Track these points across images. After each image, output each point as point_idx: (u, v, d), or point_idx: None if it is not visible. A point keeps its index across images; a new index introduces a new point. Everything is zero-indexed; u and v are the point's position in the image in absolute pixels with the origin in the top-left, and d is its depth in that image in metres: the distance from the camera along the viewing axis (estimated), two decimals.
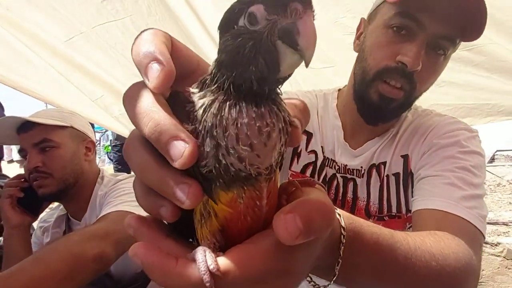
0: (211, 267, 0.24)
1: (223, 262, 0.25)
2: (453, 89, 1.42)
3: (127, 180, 1.21)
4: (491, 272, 2.32)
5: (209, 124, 0.25)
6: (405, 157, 0.82)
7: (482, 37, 1.21)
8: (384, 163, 0.83)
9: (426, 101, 1.57)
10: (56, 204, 1.30)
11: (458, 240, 0.56)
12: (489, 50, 1.27)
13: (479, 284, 2.36)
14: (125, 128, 2.25)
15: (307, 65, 0.26)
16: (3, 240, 1.14)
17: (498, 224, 2.44)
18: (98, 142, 9.15)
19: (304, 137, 0.87)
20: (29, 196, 1.13)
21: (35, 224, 1.24)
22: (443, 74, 1.40)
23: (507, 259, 2.29)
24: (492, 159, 5.88)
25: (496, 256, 2.31)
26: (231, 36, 0.26)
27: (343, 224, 0.35)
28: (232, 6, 0.27)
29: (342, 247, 0.35)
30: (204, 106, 0.26)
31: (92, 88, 1.91)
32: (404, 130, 0.84)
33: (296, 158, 0.88)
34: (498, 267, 2.31)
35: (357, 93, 0.81)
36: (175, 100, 0.27)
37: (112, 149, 6.14)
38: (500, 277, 2.30)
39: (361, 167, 0.85)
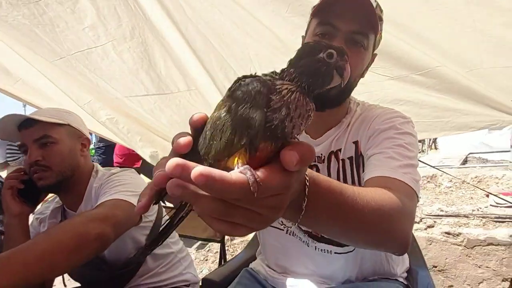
0: (255, 178, 0.37)
1: (259, 175, 0.38)
2: (411, 107, 1.59)
3: (121, 173, 1.32)
4: (453, 260, 2.55)
5: (288, 101, 0.43)
6: (356, 143, 0.98)
7: (432, 60, 1.39)
8: (340, 149, 0.99)
9: None
10: (51, 197, 1.40)
11: (394, 192, 0.71)
12: (439, 73, 1.44)
13: (443, 271, 2.59)
14: (111, 133, 2.33)
15: (342, 86, 0.49)
16: (4, 228, 1.24)
17: (459, 216, 2.67)
18: None
19: None
20: (28, 188, 1.23)
21: (31, 217, 1.32)
22: (402, 94, 1.59)
23: (467, 248, 2.51)
24: (465, 161, 6.21)
25: (458, 245, 2.53)
26: (315, 59, 0.47)
27: (306, 172, 0.50)
28: (319, 45, 0.48)
29: (307, 188, 0.49)
30: (287, 91, 0.43)
31: (80, 94, 1.97)
32: (355, 121, 1.01)
33: None
34: (460, 256, 2.54)
35: None
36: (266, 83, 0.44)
37: (96, 151, 6.11)
38: (461, 264, 2.53)
39: (321, 154, 1.01)
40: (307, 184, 0.49)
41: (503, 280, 2.39)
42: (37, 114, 1.25)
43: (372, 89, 1.57)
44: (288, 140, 0.43)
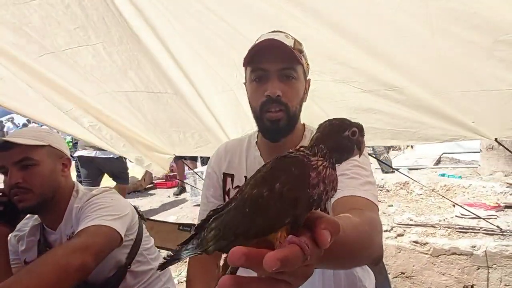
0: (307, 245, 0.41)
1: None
2: (383, 116, 1.70)
3: (102, 195, 1.32)
4: (420, 268, 2.68)
5: (324, 176, 0.47)
6: None
7: (400, 82, 1.51)
8: None
9: (362, 122, 1.86)
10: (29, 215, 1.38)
11: (364, 211, 0.83)
12: (407, 92, 1.55)
13: (410, 277, 2.71)
14: (96, 138, 2.35)
15: (359, 157, 0.55)
16: None
17: (427, 226, 2.81)
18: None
19: (229, 179, 1.21)
20: (7, 209, 1.23)
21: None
22: (375, 105, 1.69)
23: (433, 256, 2.65)
24: (438, 161, 6.45)
25: (424, 254, 2.67)
26: (343, 137, 0.52)
27: None
28: (344, 124, 0.53)
29: None
30: (322, 167, 0.48)
31: (61, 101, 2.00)
32: None
33: (226, 196, 1.22)
34: (426, 263, 2.67)
35: (259, 127, 1.14)
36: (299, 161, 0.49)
37: (73, 146, 6.01)
38: (427, 271, 2.66)
39: None
40: None
41: (463, 287, 2.53)
42: (16, 137, 1.24)
43: (348, 98, 1.68)
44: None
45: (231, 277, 0.39)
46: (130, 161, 2.82)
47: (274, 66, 1.03)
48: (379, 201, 0.99)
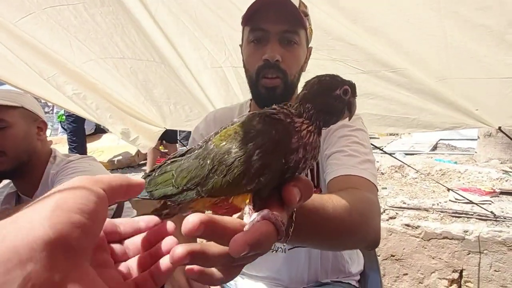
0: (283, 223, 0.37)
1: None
2: (381, 102, 1.61)
3: (79, 161, 1.28)
4: (410, 251, 2.68)
5: (306, 143, 0.42)
6: None
7: (402, 65, 1.41)
8: None
9: (358, 109, 1.77)
10: (4, 183, 1.35)
11: (361, 191, 0.78)
12: (409, 74, 1.46)
13: (400, 260, 2.72)
14: (80, 108, 2.22)
15: (349, 119, 0.50)
16: None
17: (420, 209, 2.78)
18: (51, 109, 8.65)
19: None
20: None
21: None
22: (373, 88, 1.60)
23: (424, 240, 2.64)
24: (435, 147, 6.41)
25: (415, 237, 2.65)
26: (333, 97, 0.46)
27: None
28: (335, 81, 0.47)
29: (294, 213, 0.48)
30: (306, 132, 0.43)
31: (43, 66, 1.85)
32: None
33: None
34: (416, 247, 2.66)
35: (253, 94, 1.05)
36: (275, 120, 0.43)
37: (66, 119, 5.88)
38: (417, 255, 2.66)
39: None
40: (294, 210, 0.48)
41: (453, 271, 2.54)
42: None
43: None
44: None
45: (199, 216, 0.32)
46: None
47: (275, 28, 0.94)
48: None
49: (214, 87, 1.84)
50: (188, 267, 0.34)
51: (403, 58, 1.41)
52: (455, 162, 4.39)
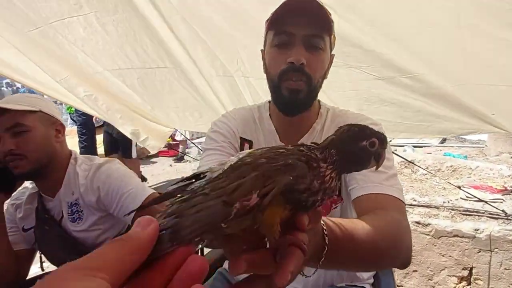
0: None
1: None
2: (395, 109, 1.60)
3: (108, 165, 1.31)
4: (420, 248, 2.69)
5: (326, 187, 0.44)
6: None
7: (419, 70, 1.39)
8: None
9: (372, 114, 1.76)
10: (26, 184, 1.39)
11: (390, 211, 0.78)
12: (426, 79, 1.44)
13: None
14: (91, 109, 2.24)
15: (376, 169, 0.51)
16: None
17: (430, 207, 2.78)
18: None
19: (247, 145, 1.07)
20: (2, 175, 1.22)
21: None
22: (388, 94, 1.58)
23: (434, 238, 2.64)
24: (444, 140, 6.34)
25: (426, 234, 2.66)
26: (358, 148, 0.47)
27: (324, 227, 0.55)
28: (363, 133, 0.48)
29: (326, 238, 0.53)
30: (329, 178, 0.44)
31: (56, 68, 1.87)
32: (328, 128, 1.03)
33: None
34: (426, 244, 2.67)
35: (275, 98, 1.02)
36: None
37: (76, 111, 5.90)
38: (427, 252, 2.67)
39: None
40: (325, 233, 0.53)
41: (463, 269, 2.55)
42: (6, 103, 1.20)
43: (359, 87, 1.56)
44: None
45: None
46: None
47: (301, 31, 0.92)
48: None
49: (225, 93, 1.84)
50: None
51: (421, 64, 1.39)
52: (465, 156, 4.34)
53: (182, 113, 2.15)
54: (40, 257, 1.41)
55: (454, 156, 4.05)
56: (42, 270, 1.46)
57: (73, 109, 6.02)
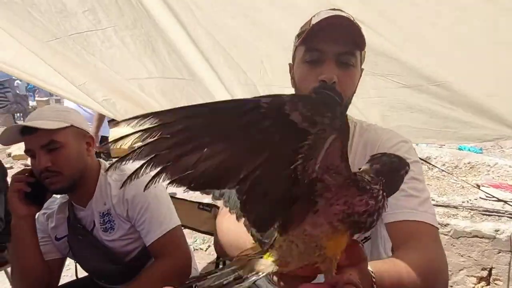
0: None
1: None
2: (421, 116, 1.57)
3: (146, 194, 1.30)
4: None
5: (379, 207, 0.47)
6: None
7: (447, 78, 1.36)
8: None
9: (396, 121, 1.73)
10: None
11: (427, 244, 0.80)
12: (454, 88, 1.40)
13: None
14: (110, 113, 2.26)
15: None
16: (11, 228, 1.26)
17: (449, 207, 2.75)
18: None
19: None
20: (34, 189, 1.24)
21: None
22: (414, 101, 1.55)
23: (453, 238, 2.62)
24: None
25: (444, 235, 2.64)
26: (399, 176, 0.54)
27: (373, 274, 0.59)
28: (401, 163, 0.54)
29: (374, 284, 0.57)
30: (381, 197, 0.48)
31: (74, 74, 1.89)
32: (357, 144, 1.01)
33: None
34: (445, 244, 2.66)
35: None
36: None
37: None
38: (445, 252, 2.65)
39: None
40: (374, 280, 0.55)
41: (482, 269, 2.54)
42: (38, 119, 1.22)
43: (384, 95, 1.53)
44: None
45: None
46: None
47: (333, 49, 0.90)
48: None
49: None
50: None
51: (448, 71, 1.36)
52: (480, 149, 4.25)
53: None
54: (75, 265, 1.44)
55: (469, 149, 3.98)
56: (77, 277, 1.49)
57: None
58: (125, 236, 1.33)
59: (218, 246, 1.03)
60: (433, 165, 2.85)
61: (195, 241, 3.36)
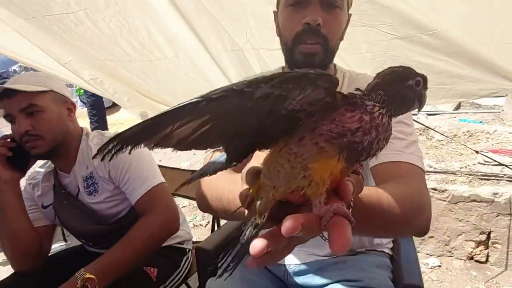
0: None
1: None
2: None
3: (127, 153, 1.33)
4: (437, 214, 2.68)
5: (378, 123, 0.42)
6: None
7: (440, 26, 1.31)
8: None
9: None
10: (41, 162, 1.43)
11: (410, 179, 0.77)
12: (447, 36, 1.36)
13: None
14: (99, 92, 2.23)
15: (418, 112, 0.51)
16: None
17: (447, 173, 2.74)
18: (69, 84, 8.70)
19: None
20: (17, 154, 1.25)
21: (23, 182, 1.37)
22: (406, 56, 1.51)
23: (451, 203, 2.62)
24: (458, 106, 6.17)
25: (442, 201, 2.64)
26: (406, 86, 0.46)
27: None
28: (407, 72, 0.47)
29: (351, 207, 0.49)
30: (378, 114, 0.42)
31: (60, 53, 1.85)
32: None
33: None
34: (443, 210, 2.66)
35: (288, 62, 0.99)
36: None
37: (85, 92, 5.90)
38: (443, 218, 2.66)
39: None
40: (351, 204, 0.50)
41: (481, 233, 2.54)
42: (17, 83, 1.20)
43: (376, 49, 1.49)
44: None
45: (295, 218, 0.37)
46: None
47: None
48: None
49: (234, 70, 1.78)
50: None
51: (443, 20, 1.31)
52: (481, 122, 4.23)
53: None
54: (62, 230, 1.44)
55: (470, 122, 3.95)
56: (65, 241, 1.50)
57: (82, 91, 6.03)
58: (110, 198, 1.32)
59: (201, 202, 1.01)
60: (434, 130, 2.81)
61: (195, 217, 3.38)
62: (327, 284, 1.00)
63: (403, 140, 0.84)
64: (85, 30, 1.54)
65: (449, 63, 1.45)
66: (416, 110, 0.50)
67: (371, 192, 0.60)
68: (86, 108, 5.72)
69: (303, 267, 1.05)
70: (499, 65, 1.40)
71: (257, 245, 0.38)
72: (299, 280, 1.04)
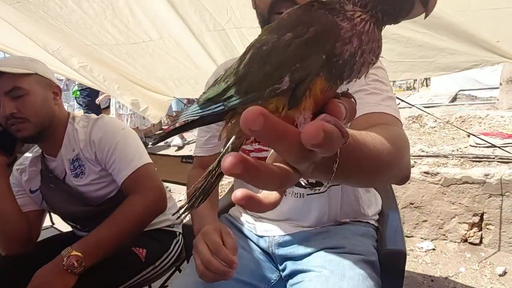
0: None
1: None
2: (395, 45, 1.53)
3: (109, 120, 1.35)
4: (429, 198, 2.68)
5: (361, 31, 0.35)
6: None
7: None
8: None
9: None
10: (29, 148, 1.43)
11: (392, 126, 0.76)
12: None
13: (419, 207, 2.72)
14: (88, 80, 2.23)
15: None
16: None
17: (439, 156, 2.74)
18: (66, 87, 8.75)
19: None
20: (3, 139, 1.24)
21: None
22: (386, 29, 1.51)
23: (444, 186, 2.62)
24: (454, 99, 6.19)
25: (435, 184, 2.64)
26: None
27: None
28: None
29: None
30: (360, 20, 0.35)
31: (47, 40, 1.84)
32: None
33: None
34: (436, 193, 2.66)
35: None
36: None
37: (80, 93, 5.95)
38: (436, 201, 2.66)
39: None
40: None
41: (474, 215, 2.54)
42: (1, 66, 1.18)
43: None
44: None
45: (236, 155, 0.27)
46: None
47: None
48: None
49: (219, 51, 1.79)
50: (237, 193, 0.30)
51: None
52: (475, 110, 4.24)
53: (178, 81, 2.11)
54: (49, 213, 1.44)
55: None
56: (52, 223, 1.50)
57: (78, 93, 6.07)
58: (97, 180, 1.32)
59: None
60: (428, 113, 2.80)
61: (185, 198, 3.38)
62: (311, 253, 1.00)
63: (379, 95, 0.84)
64: (69, 12, 1.54)
65: (428, 35, 1.45)
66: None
67: (356, 133, 0.58)
68: (82, 109, 5.78)
69: (287, 237, 1.05)
70: (478, 37, 1.40)
71: (228, 159, 0.27)
72: (284, 251, 1.05)
